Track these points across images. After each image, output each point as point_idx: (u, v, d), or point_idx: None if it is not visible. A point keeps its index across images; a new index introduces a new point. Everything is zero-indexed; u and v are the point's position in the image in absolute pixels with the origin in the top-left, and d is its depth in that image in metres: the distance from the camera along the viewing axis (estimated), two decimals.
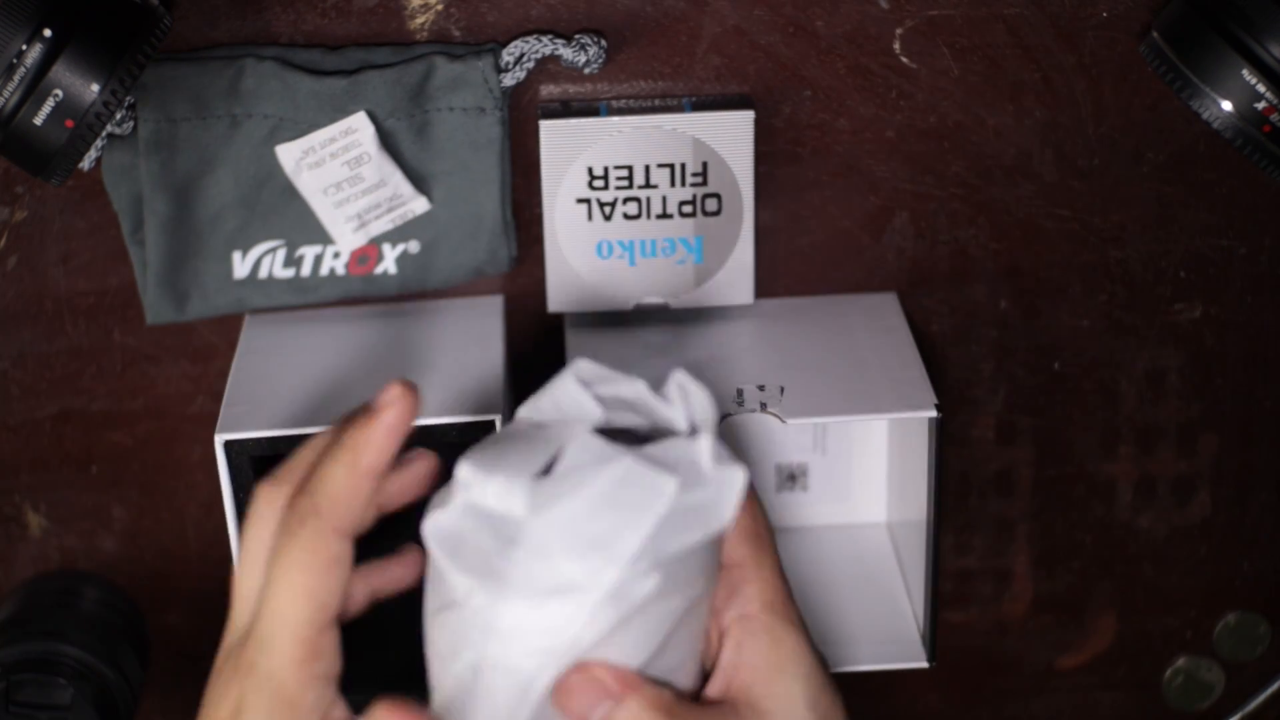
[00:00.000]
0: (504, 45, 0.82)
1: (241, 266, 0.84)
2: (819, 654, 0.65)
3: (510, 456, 0.62)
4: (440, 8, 0.82)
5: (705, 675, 0.65)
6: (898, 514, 0.91)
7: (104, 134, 0.81)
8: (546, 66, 0.84)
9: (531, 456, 0.62)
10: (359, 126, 0.81)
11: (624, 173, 0.83)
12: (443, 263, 0.85)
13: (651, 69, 0.84)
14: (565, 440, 0.62)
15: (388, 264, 0.85)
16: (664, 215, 0.84)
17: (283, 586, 0.62)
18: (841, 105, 0.85)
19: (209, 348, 0.88)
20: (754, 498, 0.66)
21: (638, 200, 0.84)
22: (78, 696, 0.86)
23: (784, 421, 0.80)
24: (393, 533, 0.66)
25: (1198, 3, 0.77)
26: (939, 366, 0.90)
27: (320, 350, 0.85)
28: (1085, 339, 0.90)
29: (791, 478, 0.93)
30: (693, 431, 0.64)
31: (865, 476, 0.93)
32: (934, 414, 0.80)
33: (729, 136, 0.83)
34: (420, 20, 0.83)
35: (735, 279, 0.86)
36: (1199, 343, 0.91)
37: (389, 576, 0.67)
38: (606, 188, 0.84)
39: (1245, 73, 0.75)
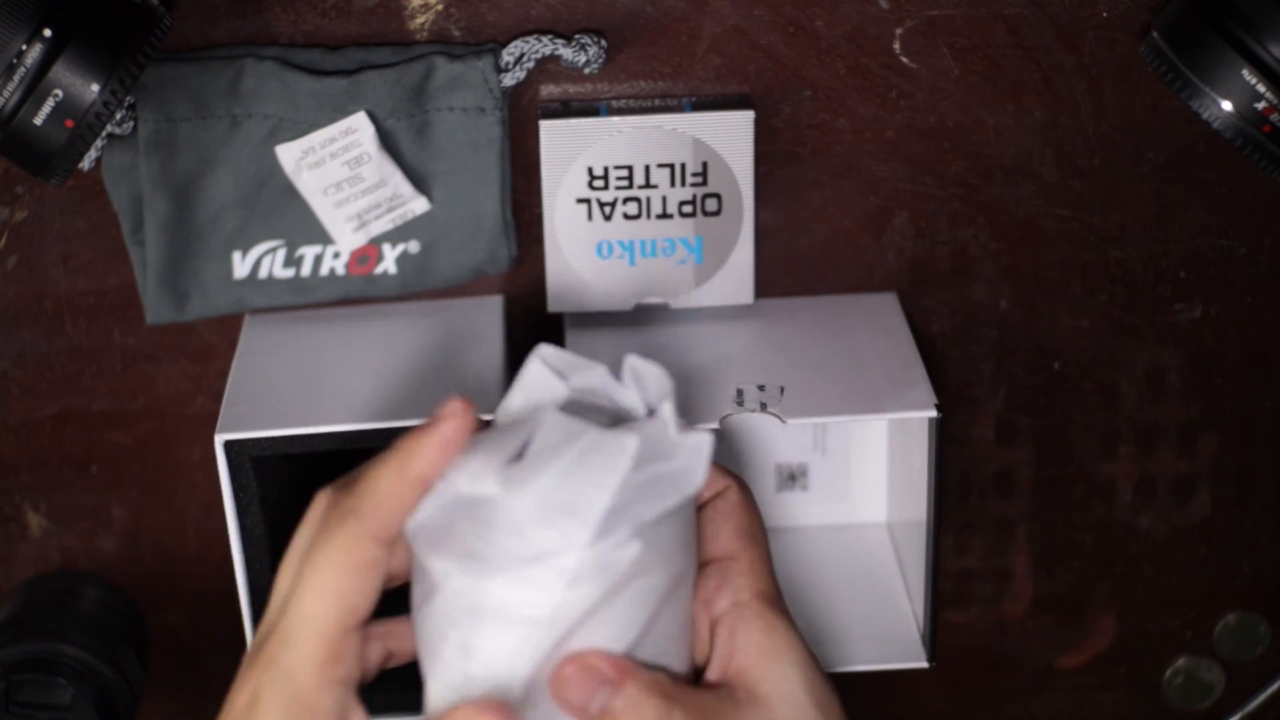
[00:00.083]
0: (504, 45, 0.82)
1: (241, 266, 0.84)
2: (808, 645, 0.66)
3: (485, 445, 0.63)
4: (440, 8, 0.82)
5: (701, 666, 0.66)
6: (898, 514, 0.91)
7: (104, 134, 0.81)
8: (546, 66, 0.84)
9: (504, 443, 0.63)
10: (359, 126, 0.81)
11: (624, 173, 0.83)
12: (443, 263, 0.85)
13: (651, 69, 0.84)
14: (536, 424, 0.63)
15: (388, 264, 0.85)
16: (664, 215, 0.84)
17: (313, 585, 0.61)
18: (841, 105, 0.85)
19: (209, 348, 0.88)
20: (747, 494, 0.67)
21: (638, 200, 0.84)
22: (78, 696, 0.85)
23: (784, 421, 0.80)
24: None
25: (1198, 3, 0.77)
26: (939, 366, 0.90)
27: (320, 350, 0.85)
28: (1085, 339, 0.90)
29: (791, 478, 0.93)
30: (651, 412, 0.65)
31: (865, 476, 0.93)
32: (934, 414, 0.80)
33: (729, 136, 0.83)
34: (420, 20, 0.83)
35: (735, 279, 0.86)
36: (1199, 343, 0.91)
37: (408, 638, 0.66)
38: (606, 188, 0.84)
39: (1245, 73, 0.75)
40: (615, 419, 0.66)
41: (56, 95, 0.72)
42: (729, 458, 0.92)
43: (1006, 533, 0.94)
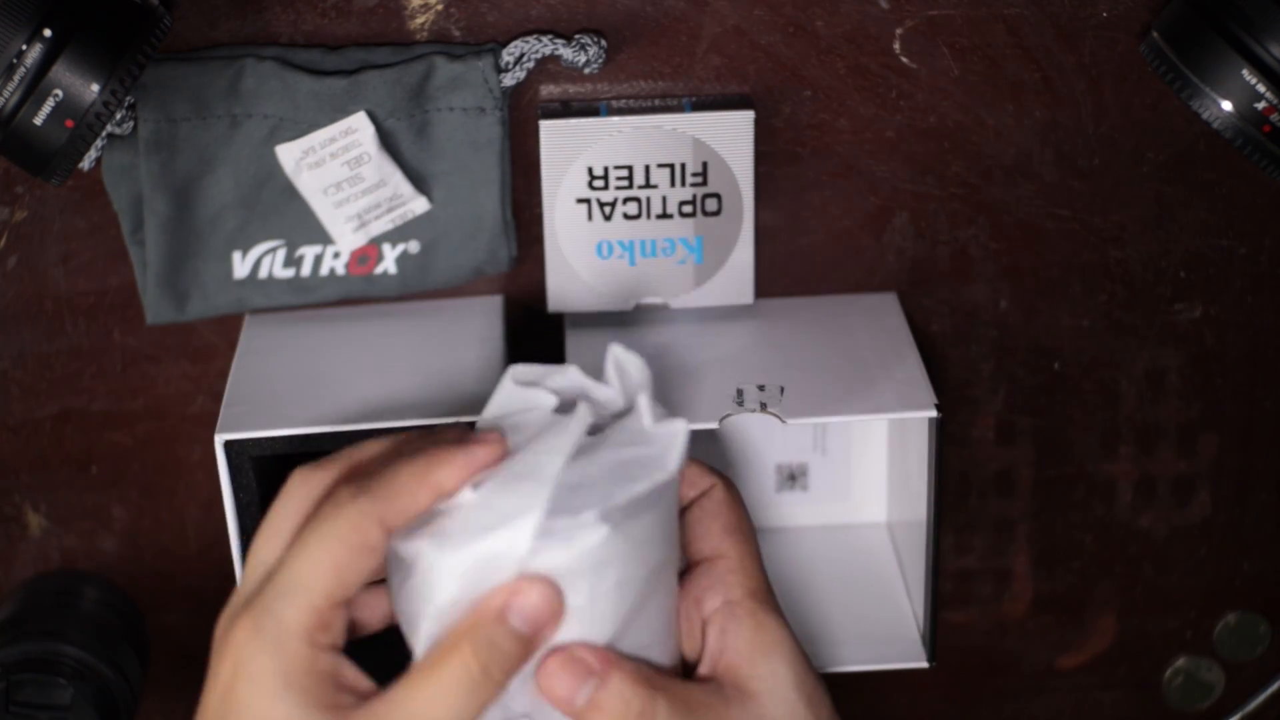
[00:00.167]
0: (504, 45, 0.82)
1: (241, 266, 0.84)
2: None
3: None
4: (440, 8, 0.82)
5: (693, 664, 0.66)
6: (898, 514, 0.91)
7: (104, 134, 0.81)
8: (546, 66, 0.84)
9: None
10: (359, 126, 0.81)
11: (624, 173, 0.83)
12: (443, 263, 0.85)
13: (651, 69, 0.84)
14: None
15: (388, 264, 0.85)
16: (664, 215, 0.84)
17: (311, 554, 0.61)
18: (841, 105, 0.85)
19: (209, 348, 0.88)
20: (734, 492, 0.67)
21: (638, 200, 0.84)
22: (78, 696, 0.86)
23: (784, 421, 0.80)
24: None
25: (1198, 3, 0.77)
26: (939, 366, 0.90)
27: (320, 350, 0.85)
28: (1085, 339, 0.90)
29: (791, 478, 0.93)
30: (629, 405, 0.65)
31: (865, 476, 0.93)
32: (934, 414, 0.80)
33: (729, 136, 0.83)
34: (420, 20, 0.83)
35: (735, 279, 0.86)
36: (1199, 343, 0.91)
37: (370, 607, 0.66)
38: (606, 188, 0.84)
39: (1245, 73, 0.75)
40: (599, 414, 0.66)
41: (56, 95, 0.72)
42: (729, 458, 0.92)
43: (1006, 533, 0.94)
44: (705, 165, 0.83)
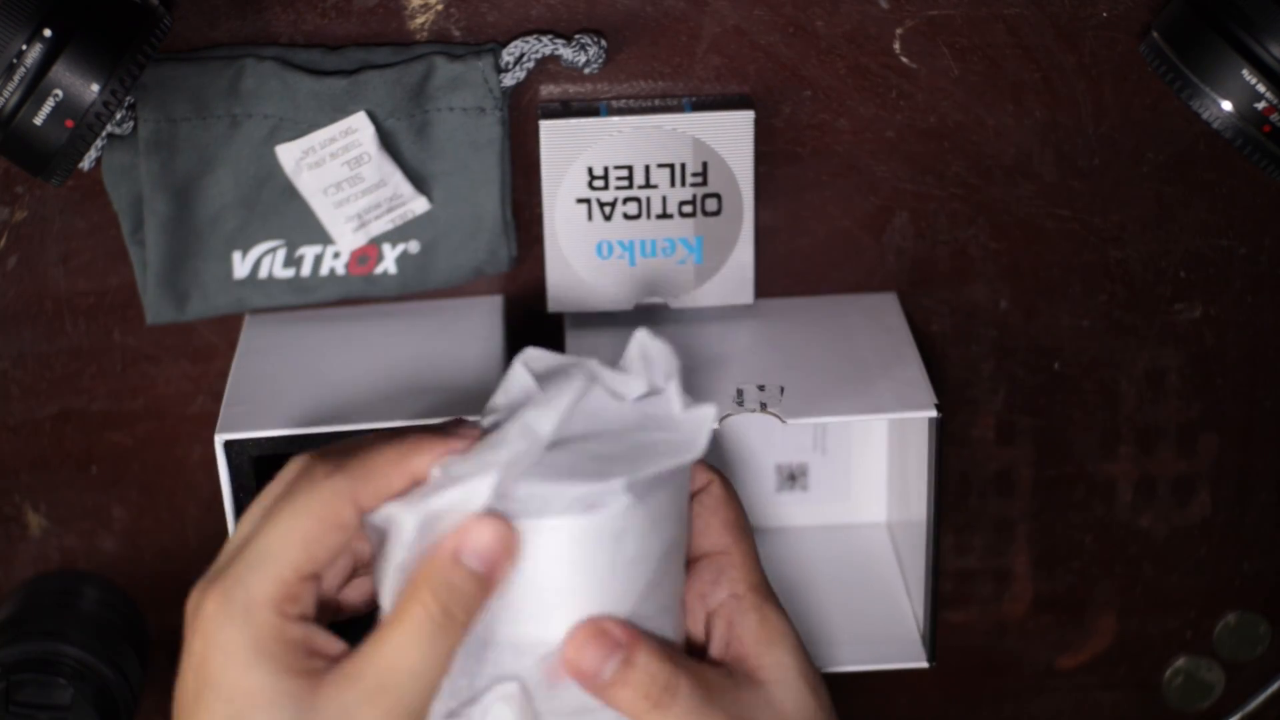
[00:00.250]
0: (504, 45, 0.82)
1: (241, 266, 0.84)
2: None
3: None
4: (440, 8, 0.82)
5: (697, 655, 0.66)
6: (898, 514, 0.91)
7: (104, 134, 0.81)
8: (546, 66, 0.84)
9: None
10: (359, 126, 0.81)
11: (624, 173, 0.83)
12: (443, 263, 0.85)
13: (651, 69, 0.84)
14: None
15: (388, 264, 0.85)
16: (664, 215, 0.84)
17: (281, 528, 0.61)
18: (841, 105, 0.85)
19: (209, 348, 0.88)
20: (731, 489, 0.68)
21: (638, 200, 0.84)
22: (78, 696, 0.86)
23: (784, 421, 0.80)
24: None
25: (1198, 3, 0.77)
26: (939, 366, 0.90)
27: (320, 350, 0.85)
28: (1085, 339, 0.90)
29: (791, 478, 0.93)
30: (654, 392, 0.65)
31: (865, 476, 0.93)
32: (934, 414, 0.80)
33: (729, 136, 0.83)
34: (420, 20, 0.83)
35: (735, 279, 0.86)
36: (1199, 343, 0.91)
37: (354, 590, 0.66)
38: (606, 188, 0.84)
39: (1245, 73, 0.75)
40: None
41: (56, 95, 0.72)
42: (729, 458, 0.92)
43: (1006, 533, 0.94)
44: (705, 165, 0.83)
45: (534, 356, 0.66)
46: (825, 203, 0.87)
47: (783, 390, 0.81)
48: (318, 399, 0.81)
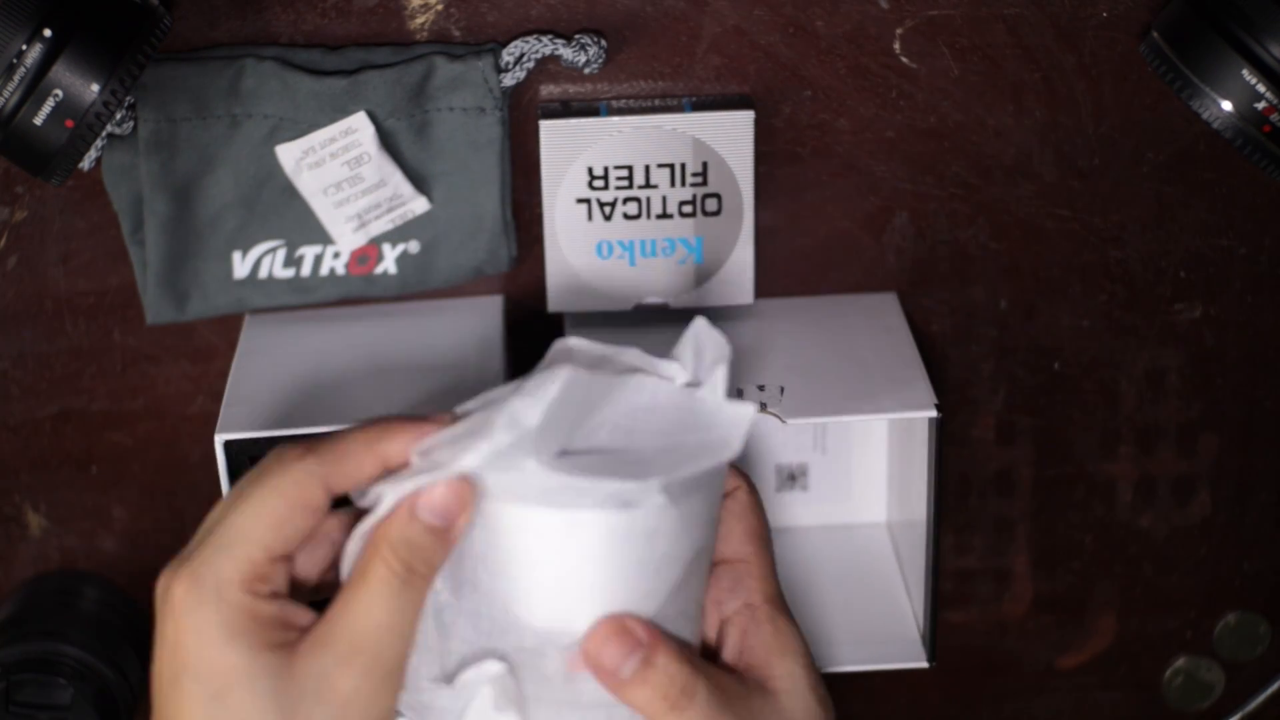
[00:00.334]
0: (504, 45, 0.82)
1: (241, 266, 0.84)
2: None
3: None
4: (440, 8, 0.82)
5: (709, 660, 0.66)
6: (898, 514, 0.91)
7: (104, 134, 0.81)
8: (546, 66, 0.84)
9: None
10: (359, 126, 0.81)
11: (624, 173, 0.83)
12: (443, 263, 0.85)
13: (651, 69, 0.84)
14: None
15: (388, 264, 0.85)
16: (664, 215, 0.84)
17: (250, 508, 0.61)
18: (841, 105, 0.85)
19: (209, 348, 0.88)
20: (757, 497, 0.67)
21: (638, 200, 0.84)
22: (78, 696, 0.86)
23: (784, 421, 0.80)
24: None
25: (1198, 3, 0.77)
26: (939, 366, 0.90)
27: (320, 350, 0.85)
28: (1085, 339, 0.90)
29: (791, 478, 0.93)
30: (696, 383, 0.65)
31: (865, 476, 0.93)
32: (934, 414, 0.80)
33: (729, 136, 0.83)
34: (420, 20, 0.83)
35: (735, 279, 0.86)
36: (1199, 343, 0.91)
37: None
38: (606, 188, 0.84)
39: (1245, 73, 0.75)
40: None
41: (56, 95, 0.72)
42: None
43: (1006, 533, 0.94)
44: (705, 165, 0.83)
45: (577, 346, 0.65)
46: (825, 203, 0.87)
47: (783, 390, 0.81)
48: (318, 399, 0.81)
